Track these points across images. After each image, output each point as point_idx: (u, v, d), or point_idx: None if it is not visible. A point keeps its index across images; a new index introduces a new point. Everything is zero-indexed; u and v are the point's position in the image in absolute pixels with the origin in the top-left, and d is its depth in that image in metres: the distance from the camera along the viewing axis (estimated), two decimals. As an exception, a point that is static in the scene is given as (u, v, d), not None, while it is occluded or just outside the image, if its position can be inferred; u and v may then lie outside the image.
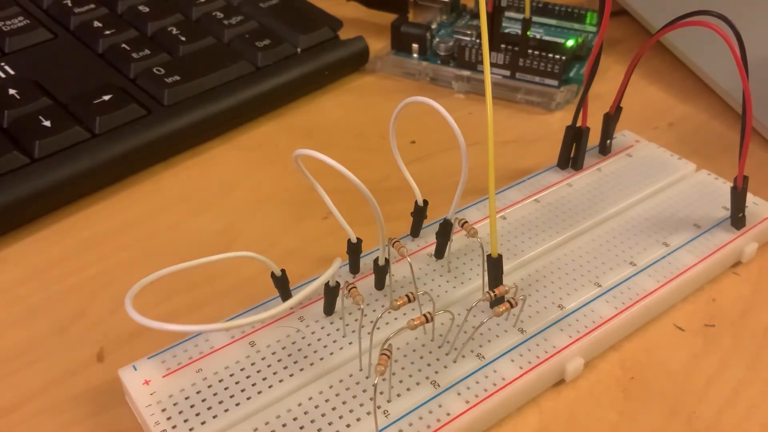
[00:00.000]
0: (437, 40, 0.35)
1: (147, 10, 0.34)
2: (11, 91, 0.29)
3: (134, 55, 0.31)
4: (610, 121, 0.27)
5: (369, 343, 0.20)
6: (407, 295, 0.19)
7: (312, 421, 0.18)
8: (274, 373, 0.19)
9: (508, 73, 0.33)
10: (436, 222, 0.24)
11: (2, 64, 0.31)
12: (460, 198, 0.21)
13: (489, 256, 0.20)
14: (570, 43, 0.34)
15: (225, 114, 0.30)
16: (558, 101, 0.32)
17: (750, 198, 0.25)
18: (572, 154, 0.27)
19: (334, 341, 0.20)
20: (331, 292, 0.20)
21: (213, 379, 0.19)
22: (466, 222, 0.22)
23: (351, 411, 0.18)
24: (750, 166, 0.23)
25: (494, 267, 0.20)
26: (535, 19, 0.36)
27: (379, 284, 0.22)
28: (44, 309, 0.23)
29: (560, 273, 0.22)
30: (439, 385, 0.19)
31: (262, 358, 0.20)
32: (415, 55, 0.34)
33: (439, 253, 0.23)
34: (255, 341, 0.20)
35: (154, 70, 0.30)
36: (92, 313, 0.23)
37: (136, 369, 0.19)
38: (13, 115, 0.28)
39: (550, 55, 0.32)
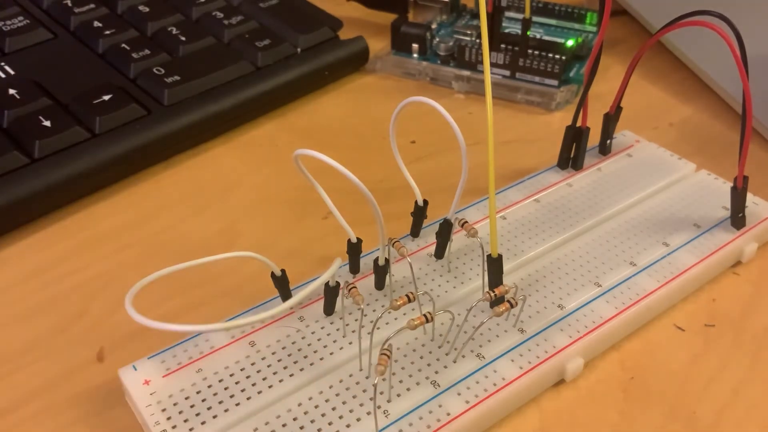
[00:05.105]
0: (437, 40, 0.35)
1: (147, 10, 0.34)
2: (11, 91, 0.29)
3: (134, 55, 0.31)
4: (610, 121, 0.27)
5: (369, 343, 0.20)
6: (407, 295, 0.19)
7: (312, 421, 0.18)
8: (274, 373, 0.19)
9: (508, 73, 0.33)
10: (436, 222, 0.24)
11: (2, 64, 0.31)
12: (460, 198, 0.21)
13: (489, 256, 0.20)
14: (570, 43, 0.34)
15: (225, 114, 0.30)
16: (558, 101, 0.32)
17: (750, 198, 0.25)
18: (572, 154, 0.27)
19: (334, 341, 0.20)
20: (331, 292, 0.20)
21: (213, 379, 0.19)
22: (466, 222, 0.22)
23: (351, 411, 0.18)
24: (750, 166, 0.23)
25: (494, 267, 0.20)
26: (535, 19, 0.36)
27: (379, 284, 0.22)
28: (44, 309, 0.23)
29: (560, 273, 0.22)
30: (439, 385, 0.19)
31: (262, 358, 0.20)
32: (415, 55, 0.34)
33: (439, 253, 0.23)
34: (255, 341, 0.20)
35: (154, 70, 0.30)
36: (92, 313, 0.23)
37: (136, 369, 0.19)
38: (13, 115, 0.28)
39: (550, 55, 0.32)
